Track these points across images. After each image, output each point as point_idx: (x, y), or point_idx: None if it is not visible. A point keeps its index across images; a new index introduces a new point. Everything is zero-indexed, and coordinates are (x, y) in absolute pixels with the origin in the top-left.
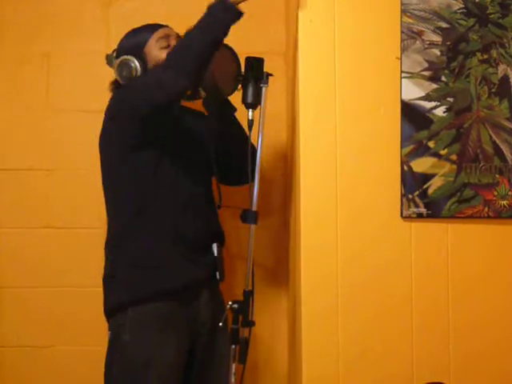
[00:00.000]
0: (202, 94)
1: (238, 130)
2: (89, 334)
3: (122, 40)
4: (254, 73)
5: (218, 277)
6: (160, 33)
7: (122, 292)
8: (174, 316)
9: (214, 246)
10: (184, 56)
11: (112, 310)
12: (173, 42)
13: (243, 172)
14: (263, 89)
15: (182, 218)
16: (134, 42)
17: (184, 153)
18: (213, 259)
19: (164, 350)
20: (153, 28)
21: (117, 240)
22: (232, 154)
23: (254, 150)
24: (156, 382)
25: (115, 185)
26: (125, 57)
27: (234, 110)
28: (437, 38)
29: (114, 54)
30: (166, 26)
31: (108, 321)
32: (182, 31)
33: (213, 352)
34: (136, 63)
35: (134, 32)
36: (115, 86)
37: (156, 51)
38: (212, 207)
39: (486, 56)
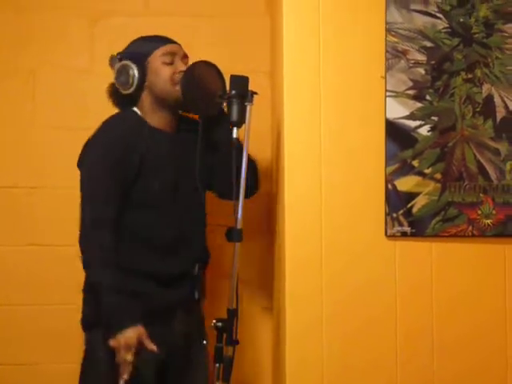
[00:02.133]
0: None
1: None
2: (75, 351)
3: (130, 45)
4: (239, 91)
5: (196, 296)
6: (167, 48)
7: (91, 311)
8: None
9: (196, 267)
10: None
11: (88, 324)
12: (178, 61)
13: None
14: (248, 107)
15: (164, 256)
16: (140, 49)
17: (169, 187)
18: (192, 279)
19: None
20: (162, 41)
21: None
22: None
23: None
24: None
25: None
26: (126, 62)
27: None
28: (421, 58)
29: (118, 57)
30: (177, 44)
31: (84, 332)
32: None
33: (188, 365)
34: (135, 72)
35: (143, 40)
36: (112, 89)
37: (158, 64)
38: (201, 228)
39: (470, 75)
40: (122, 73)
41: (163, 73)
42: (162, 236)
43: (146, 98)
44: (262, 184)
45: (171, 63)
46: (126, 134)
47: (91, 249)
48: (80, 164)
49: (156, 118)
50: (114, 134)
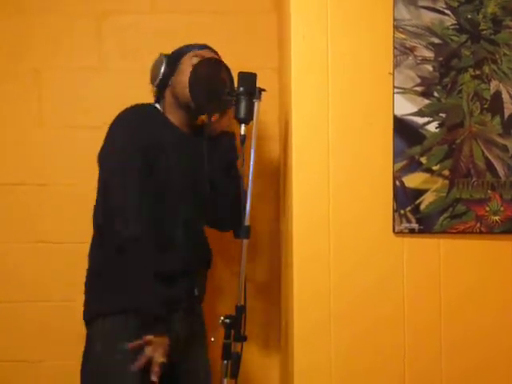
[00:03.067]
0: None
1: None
2: (80, 349)
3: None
4: (247, 88)
5: (195, 293)
6: (200, 52)
7: (100, 303)
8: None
9: (196, 264)
10: None
11: (86, 320)
12: None
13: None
14: (256, 104)
15: (168, 255)
16: (180, 49)
17: (176, 186)
18: (193, 276)
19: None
20: (200, 47)
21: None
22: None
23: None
24: None
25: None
26: (161, 58)
27: (231, 136)
28: (429, 54)
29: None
30: (213, 51)
31: (86, 327)
32: (174, 47)
33: (192, 364)
34: (162, 69)
35: (189, 44)
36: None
37: (187, 66)
38: (202, 230)
39: (478, 72)
40: (154, 66)
41: (186, 74)
42: (169, 232)
43: (168, 95)
44: (270, 181)
45: None
46: (147, 123)
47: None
48: (102, 154)
49: (174, 116)
50: (136, 122)
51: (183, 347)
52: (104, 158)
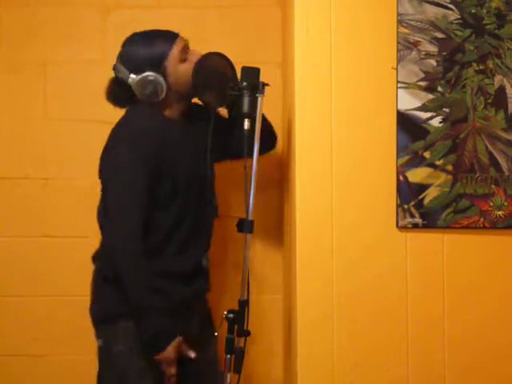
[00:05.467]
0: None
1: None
2: (84, 343)
3: (136, 48)
4: (250, 82)
5: (207, 288)
6: (180, 43)
7: (116, 302)
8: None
9: (204, 259)
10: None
11: (103, 318)
12: (189, 54)
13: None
14: (259, 98)
15: (181, 252)
16: (153, 53)
17: (184, 185)
18: (203, 272)
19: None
20: (171, 38)
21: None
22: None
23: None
24: None
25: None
26: (149, 74)
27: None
28: (433, 49)
29: (123, 66)
30: (179, 34)
31: (96, 327)
32: None
33: (202, 357)
34: (162, 82)
35: (149, 39)
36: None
37: (177, 65)
38: (207, 224)
39: (482, 67)
40: (145, 85)
41: (183, 72)
42: (179, 237)
43: (169, 96)
44: (273, 175)
45: (185, 60)
46: (154, 134)
47: (130, 267)
48: (107, 163)
49: (170, 110)
50: (143, 134)
51: (192, 346)
52: (110, 177)
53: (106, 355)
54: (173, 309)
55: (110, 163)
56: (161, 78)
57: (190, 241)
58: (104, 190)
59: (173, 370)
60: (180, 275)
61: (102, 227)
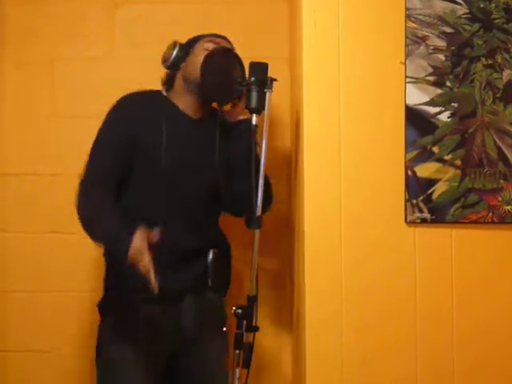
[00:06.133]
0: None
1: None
2: (92, 340)
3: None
4: (258, 78)
5: (209, 284)
6: (213, 38)
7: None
8: (149, 316)
9: (210, 253)
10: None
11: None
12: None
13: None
14: (267, 94)
15: (172, 231)
16: (196, 36)
17: (182, 167)
18: (205, 266)
19: (137, 350)
20: (215, 34)
21: None
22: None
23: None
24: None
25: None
26: (176, 41)
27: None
28: (441, 43)
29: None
30: (226, 39)
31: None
32: (186, 37)
33: (202, 358)
34: (174, 54)
35: (206, 34)
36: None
37: (199, 50)
38: (210, 215)
39: (490, 61)
40: (168, 50)
41: (198, 58)
42: (150, 210)
43: (178, 79)
44: (281, 170)
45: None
46: (139, 109)
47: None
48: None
49: (183, 101)
50: (126, 108)
51: (189, 338)
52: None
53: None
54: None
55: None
56: (177, 49)
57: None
58: None
59: (146, 259)
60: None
61: None
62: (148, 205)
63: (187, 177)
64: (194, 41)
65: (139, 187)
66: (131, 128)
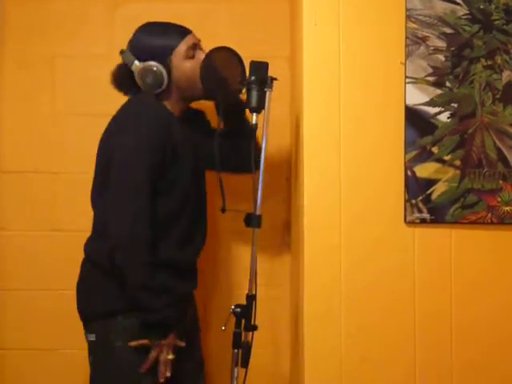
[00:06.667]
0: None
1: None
2: None
3: (145, 37)
4: (259, 77)
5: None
6: (190, 40)
7: (113, 298)
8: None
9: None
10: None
11: (97, 314)
12: (198, 52)
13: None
14: (267, 93)
15: (184, 246)
16: (161, 44)
17: (189, 175)
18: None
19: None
20: (182, 33)
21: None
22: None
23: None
24: None
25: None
26: (152, 64)
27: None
28: (441, 44)
29: (131, 53)
30: (190, 31)
31: (89, 322)
32: None
33: (192, 355)
34: (164, 74)
35: (161, 31)
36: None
37: (182, 61)
38: (204, 219)
39: (490, 62)
40: (147, 74)
41: (187, 69)
42: (182, 225)
43: (171, 90)
44: (281, 170)
45: (193, 56)
46: (159, 121)
47: (135, 249)
48: (109, 150)
49: (170, 105)
50: (149, 121)
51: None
52: (120, 155)
53: (102, 350)
54: (172, 302)
55: (116, 147)
56: (163, 70)
57: (186, 236)
58: (103, 173)
59: (171, 356)
60: (178, 270)
61: (95, 207)
62: (169, 214)
63: (193, 183)
64: (164, 53)
65: (169, 195)
66: (159, 139)
